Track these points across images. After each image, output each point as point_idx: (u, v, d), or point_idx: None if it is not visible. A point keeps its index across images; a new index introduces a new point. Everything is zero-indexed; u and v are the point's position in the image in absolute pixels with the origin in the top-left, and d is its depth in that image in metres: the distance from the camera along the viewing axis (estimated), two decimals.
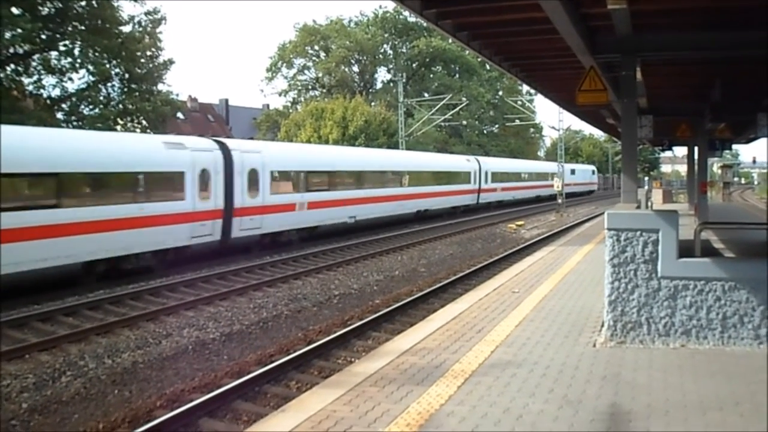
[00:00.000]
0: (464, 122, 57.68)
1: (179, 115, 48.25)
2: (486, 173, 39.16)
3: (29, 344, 9.94)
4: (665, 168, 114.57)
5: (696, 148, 22.16)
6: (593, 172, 71.39)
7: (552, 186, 50.82)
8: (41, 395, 8.11)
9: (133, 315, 11.78)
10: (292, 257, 18.60)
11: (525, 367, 5.68)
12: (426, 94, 60.77)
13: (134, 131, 32.20)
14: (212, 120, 66.34)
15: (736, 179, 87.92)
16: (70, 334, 10.50)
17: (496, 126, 71.12)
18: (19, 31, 24.95)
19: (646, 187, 34.55)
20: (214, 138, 20.70)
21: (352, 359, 8.88)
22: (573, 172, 59.10)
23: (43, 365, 9.09)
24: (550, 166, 55.01)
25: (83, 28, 28.51)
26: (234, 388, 7.72)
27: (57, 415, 7.64)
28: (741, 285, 6.15)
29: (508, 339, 6.64)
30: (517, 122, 59.54)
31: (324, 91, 61.67)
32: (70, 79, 29.62)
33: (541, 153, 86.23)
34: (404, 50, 65.24)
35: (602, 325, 6.83)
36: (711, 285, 6.20)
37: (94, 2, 28.46)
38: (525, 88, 54.71)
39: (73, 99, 29.90)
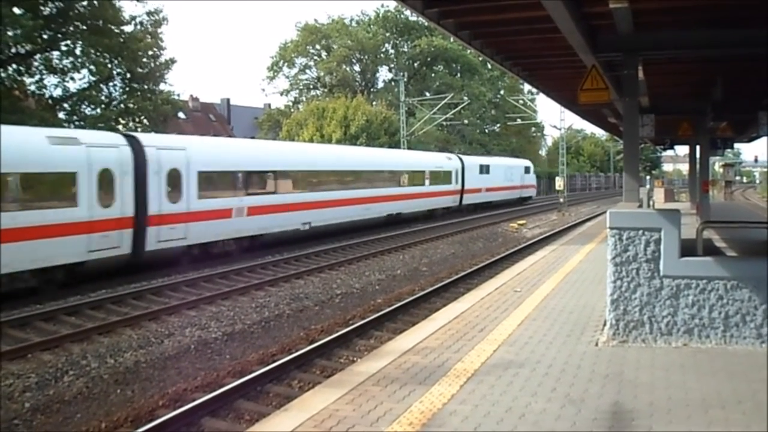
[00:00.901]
0: (466, 121, 57.56)
1: (180, 114, 48.28)
2: (179, 173, 16.95)
3: (32, 344, 9.95)
4: (667, 167, 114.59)
5: (698, 147, 22.15)
6: (527, 169, 48.03)
7: (426, 196, 31.79)
8: (44, 395, 8.12)
9: (135, 314, 11.78)
10: (294, 256, 18.61)
11: (527, 366, 5.68)
12: (427, 94, 60.77)
13: (136, 131, 32.26)
14: (214, 120, 66.42)
15: (737, 178, 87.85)
16: (73, 334, 10.50)
17: (498, 125, 71.11)
18: (21, 30, 24.97)
19: (648, 186, 34.46)
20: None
21: (355, 358, 8.88)
22: (485, 169, 39.89)
23: (45, 365, 9.10)
24: (409, 160, 33.04)
25: (85, 27, 28.52)
26: (236, 388, 7.72)
27: (59, 415, 7.65)
28: (743, 284, 6.14)
29: (510, 338, 6.63)
30: (519, 121, 59.54)
31: (325, 90, 61.69)
32: (72, 78, 29.67)
33: (543, 152, 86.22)
34: (405, 49, 65.23)
35: (604, 324, 6.82)
36: (713, 284, 6.19)
37: (95, 2, 28.46)
38: (526, 87, 54.63)
39: (75, 99, 29.93)
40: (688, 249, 6.40)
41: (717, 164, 54.87)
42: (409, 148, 43.04)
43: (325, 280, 15.42)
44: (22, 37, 25.53)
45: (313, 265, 17.36)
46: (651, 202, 23.16)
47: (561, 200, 40.28)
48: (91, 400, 8.07)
